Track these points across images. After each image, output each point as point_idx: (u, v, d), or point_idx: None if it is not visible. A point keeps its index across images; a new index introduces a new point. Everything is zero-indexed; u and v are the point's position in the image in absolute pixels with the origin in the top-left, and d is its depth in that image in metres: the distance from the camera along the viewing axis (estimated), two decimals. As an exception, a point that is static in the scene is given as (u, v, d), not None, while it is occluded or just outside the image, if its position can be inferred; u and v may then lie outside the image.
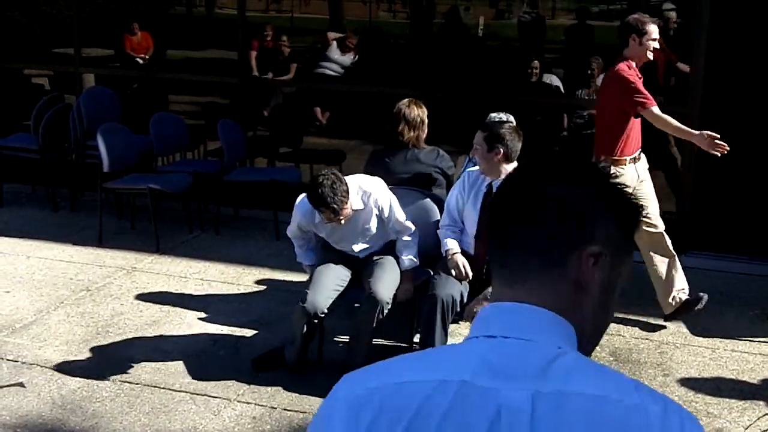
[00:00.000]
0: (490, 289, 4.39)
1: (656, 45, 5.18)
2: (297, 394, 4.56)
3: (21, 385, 4.59)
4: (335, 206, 4.45)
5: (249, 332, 5.32)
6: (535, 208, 1.17)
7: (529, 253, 1.16)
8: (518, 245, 1.17)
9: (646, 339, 5.31)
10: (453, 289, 4.61)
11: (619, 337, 5.31)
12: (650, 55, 5.18)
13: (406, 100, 5.40)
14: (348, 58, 8.17)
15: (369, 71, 8.02)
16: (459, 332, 5.09)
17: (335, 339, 5.17)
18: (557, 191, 1.17)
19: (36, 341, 5.13)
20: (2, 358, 4.88)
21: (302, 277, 5.37)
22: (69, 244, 6.82)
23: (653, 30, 5.14)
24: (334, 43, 8.17)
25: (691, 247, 6.59)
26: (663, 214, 5.44)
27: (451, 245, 4.78)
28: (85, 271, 6.26)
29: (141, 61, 8.99)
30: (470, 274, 4.72)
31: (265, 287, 6.04)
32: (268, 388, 4.61)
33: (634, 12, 5.41)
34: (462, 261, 4.72)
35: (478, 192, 4.73)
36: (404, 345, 5.07)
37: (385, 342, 5.13)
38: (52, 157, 7.83)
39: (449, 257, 4.75)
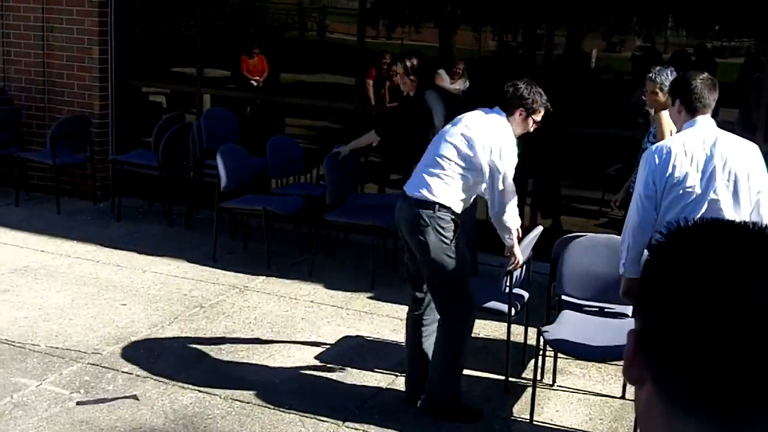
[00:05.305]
0: None
1: None
2: (412, 421, 4.53)
3: (135, 397, 4.68)
4: None
5: (357, 357, 5.31)
6: None
7: None
8: None
9: None
10: None
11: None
12: None
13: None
14: (458, 86, 8.16)
15: (478, 99, 7.99)
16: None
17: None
18: None
19: (150, 355, 5.23)
20: (117, 370, 4.99)
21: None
22: (184, 260, 6.96)
23: None
24: (443, 72, 8.18)
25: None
26: None
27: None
28: (199, 288, 6.37)
29: (255, 84, 9.17)
30: None
31: (374, 313, 6.03)
32: (377, 415, 4.58)
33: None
34: None
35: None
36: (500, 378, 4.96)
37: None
38: (170, 174, 8.03)
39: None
